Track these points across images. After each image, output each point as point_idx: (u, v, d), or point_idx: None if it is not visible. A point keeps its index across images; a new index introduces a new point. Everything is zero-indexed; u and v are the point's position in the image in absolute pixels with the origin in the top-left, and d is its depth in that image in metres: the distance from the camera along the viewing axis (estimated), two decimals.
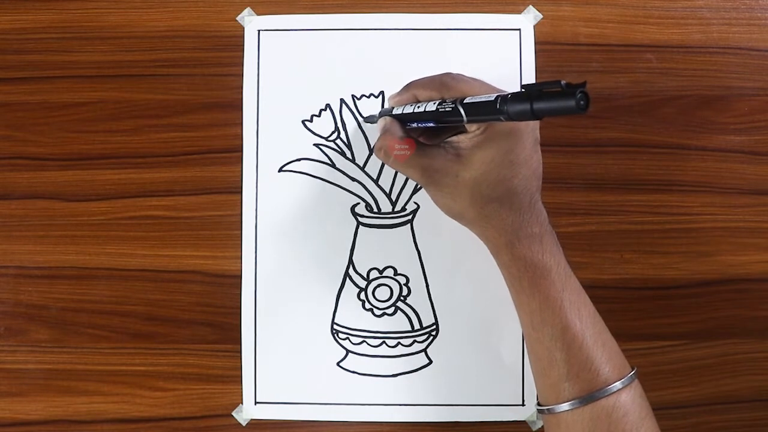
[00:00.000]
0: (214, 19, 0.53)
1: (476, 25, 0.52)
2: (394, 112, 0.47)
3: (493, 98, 0.38)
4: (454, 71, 0.52)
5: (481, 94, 0.41)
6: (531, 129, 0.43)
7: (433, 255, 0.52)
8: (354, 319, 0.52)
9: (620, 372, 0.42)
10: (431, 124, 0.44)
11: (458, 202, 0.44)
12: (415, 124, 0.45)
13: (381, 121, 0.47)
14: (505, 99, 0.37)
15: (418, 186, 0.52)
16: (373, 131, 0.52)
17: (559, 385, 0.42)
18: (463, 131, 0.44)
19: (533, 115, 0.36)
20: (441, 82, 0.44)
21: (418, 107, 0.44)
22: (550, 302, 0.42)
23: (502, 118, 0.38)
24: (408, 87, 0.47)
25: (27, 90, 0.53)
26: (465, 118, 0.41)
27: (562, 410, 0.41)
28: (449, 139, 0.45)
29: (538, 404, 0.44)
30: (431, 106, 0.43)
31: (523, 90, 0.37)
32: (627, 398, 0.41)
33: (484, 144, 0.42)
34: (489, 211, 0.43)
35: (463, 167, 0.43)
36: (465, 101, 0.41)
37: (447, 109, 0.41)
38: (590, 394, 0.41)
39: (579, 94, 0.33)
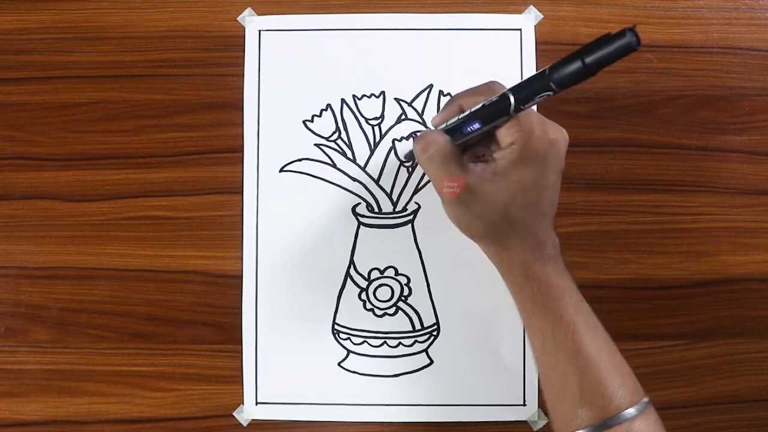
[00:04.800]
0: (214, 19, 0.53)
1: (477, 25, 0.52)
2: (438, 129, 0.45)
3: (540, 70, 0.38)
4: (454, 71, 0.52)
5: None
6: (560, 156, 0.42)
7: (434, 255, 0.52)
8: (355, 320, 0.52)
9: (633, 397, 0.41)
10: (477, 125, 0.42)
11: (483, 221, 0.43)
12: (461, 132, 0.43)
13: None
14: (555, 66, 0.37)
15: (419, 186, 0.52)
16: (370, 132, 0.52)
17: (572, 412, 0.41)
18: (497, 147, 0.43)
19: (586, 71, 0.35)
20: (489, 88, 0.43)
21: (463, 113, 0.43)
22: (564, 325, 0.41)
23: (552, 85, 0.37)
24: (452, 99, 0.45)
25: (27, 90, 0.53)
26: (513, 104, 0.39)
27: None
28: (486, 158, 0.44)
29: None
30: (476, 106, 0.42)
31: (569, 54, 0.36)
32: (641, 425, 0.40)
33: (519, 165, 0.41)
34: (510, 232, 0.42)
35: (497, 186, 0.42)
36: (512, 86, 0.40)
37: (494, 100, 0.40)
38: (603, 422, 0.40)
39: (629, 32, 0.33)
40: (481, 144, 0.44)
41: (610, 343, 0.43)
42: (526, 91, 0.39)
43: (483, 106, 0.41)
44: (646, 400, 0.41)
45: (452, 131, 0.44)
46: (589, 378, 0.41)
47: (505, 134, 0.41)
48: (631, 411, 0.40)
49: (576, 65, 0.35)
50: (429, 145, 0.43)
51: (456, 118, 0.44)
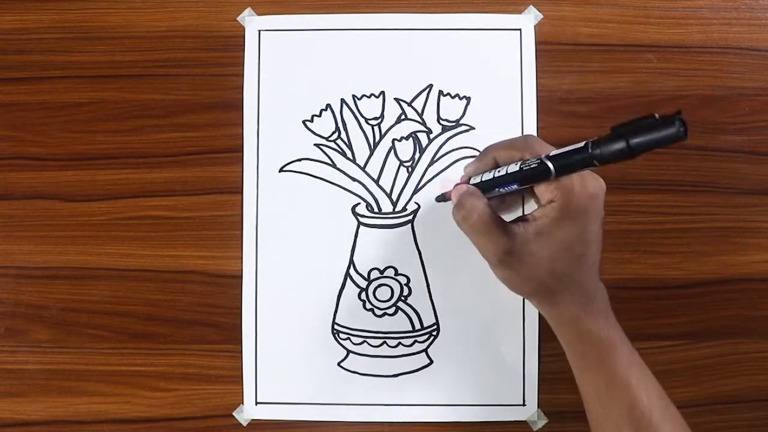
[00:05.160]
0: (214, 19, 0.53)
1: (476, 25, 0.52)
2: (471, 182, 0.45)
3: (582, 144, 0.37)
4: (454, 71, 0.52)
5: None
6: (600, 208, 0.42)
7: (434, 255, 0.52)
8: (355, 319, 0.52)
9: None
10: (515, 186, 0.42)
11: (532, 281, 0.42)
12: (496, 190, 0.44)
13: (457, 190, 0.45)
14: (597, 142, 0.36)
15: (419, 186, 0.52)
16: (370, 132, 0.52)
17: None
18: (538, 203, 0.43)
19: (630, 152, 0.35)
20: (525, 142, 0.43)
21: (499, 171, 0.43)
22: (618, 379, 0.41)
23: (595, 162, 0.37)
24: (486, 151, 0.45)
25: (27, 90, 0.53)
26: (553, 171, 0.39)
27: None
28: (526, 216, 0.43)
29: None
30: (513, 167, 0.41)
31: (613, 130, 0.36)
32: None
33: (561, 222, 0.41)
34: (559, 288, 0.42)
35: (541, 246, 0.41)
36: (551, 154, 0.39)
37: (532, 166, 0.40)
38: None
39: (678, 121, 0.33)
40: (512, 193, 0.44)
41: (662, 393, 0.42)
42: (566, 160, 0.39)
43: (521, 169, 0.41)
44: None
45: (486, 185, 0.43)
46: (644, 431, 0.40)
47: (545, 191, 0.41)
48: None
49: (620, 145, 0.35)
50: (470, 214, 0.43)
51: (491, 175, 0.43)
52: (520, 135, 0.43)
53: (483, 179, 0.44)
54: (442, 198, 0.51)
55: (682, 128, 0.33)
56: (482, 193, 0.44)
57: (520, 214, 0.49)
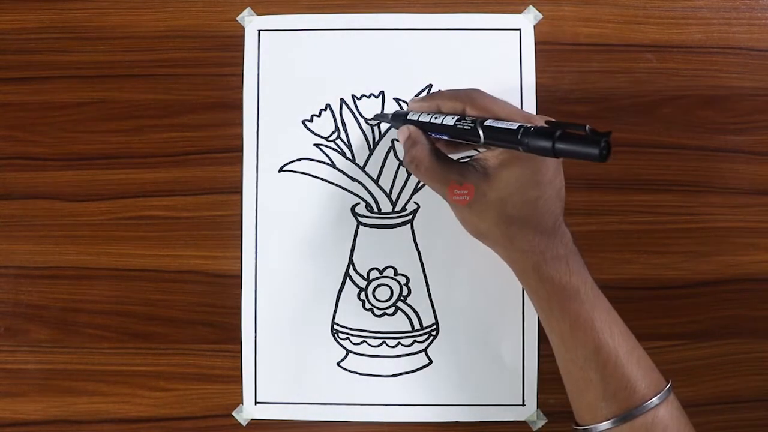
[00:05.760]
0: (214, 19, 0.53)
1: (476, 25, 0.52)
2: (409, 117, 0.46)
3: (514, 127, 0.38)
4: (453, 71, 0.52)
5: (504, 117, 0.41)
6: None
7: (434, 255, 0.52)
8: (354, 319, 0.52)
9: (656, 387, 0.41)
10: (446, 138, 0.43)
11: (484, 221, 0.43)
12: (431, 134, 0.45)
13: (404, 130, 0.45)
14: (528, 131, 0.37)
15: (419, 186, 0.52)
16: (369, 132, 0.52)
17: (596, 405, 0.41)
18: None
19: (553, 154, 0.35)
20: (468, 96, 0.43)
21: (436, 118, 0.43)
22: (581, 323, 0.41)
23: (520, 148, 0.37)
24: (433, 96, 0.46)
25: (27, 90, 0.53)
26: (482, 140, 0.40)
27: (600, 430, 0.41)
28: (477, 157, 0.44)
29: (576, 424, 0.44)
30: (449, 120, 0.42)
31: (546, 125, 0.36)
32: (665, 413, 0.41)
33: (511, 163, 0.41)
34: (514, 232, 0.42)
35: (490, 186, 0.42)
36: (485, 123, 0.40)
37: (465, 128, 0.41)
38: (628, 412, 0.40)
39: (603, 143, 0.33)
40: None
41: (629, 335, 0.43)
42: (496, 135, 0.39)
43: (455, 125, 0.42)
44: (667, 387, 0.42)
45: (424, 126, 0.44)
46: (611, 373, 0.41)
47: None
48: (654, 400, 0.41)
49: (546, 144, 0.36)
50: (418, 165, 0.44)
51: (428, 118, 0.44)
52: (467, 88, 0.44)
53: (420, 119, 0.45)
54: (383, 118, 0.51)
55: (604, 151, 0.33)
56: (423, 130, 0.45)
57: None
